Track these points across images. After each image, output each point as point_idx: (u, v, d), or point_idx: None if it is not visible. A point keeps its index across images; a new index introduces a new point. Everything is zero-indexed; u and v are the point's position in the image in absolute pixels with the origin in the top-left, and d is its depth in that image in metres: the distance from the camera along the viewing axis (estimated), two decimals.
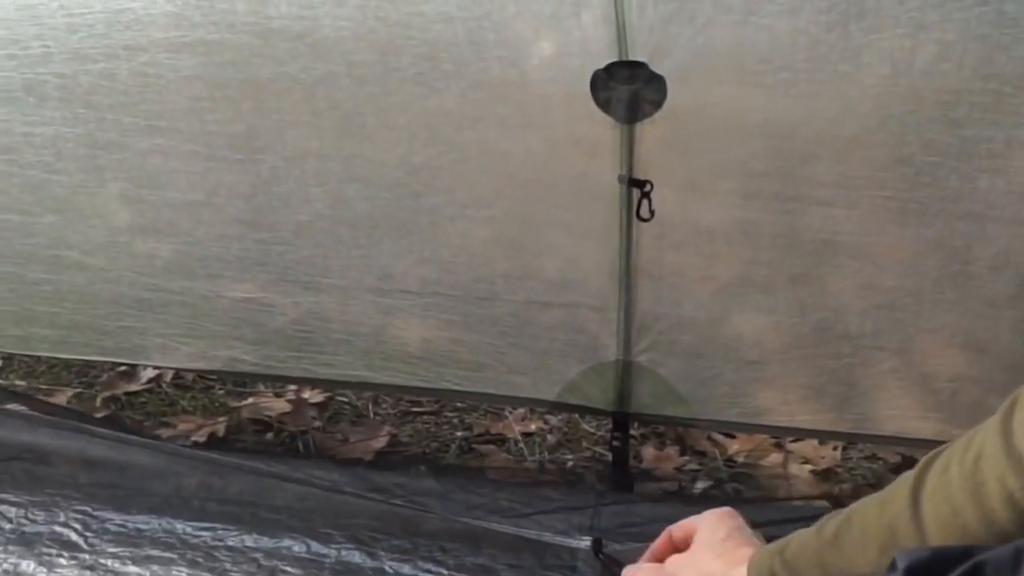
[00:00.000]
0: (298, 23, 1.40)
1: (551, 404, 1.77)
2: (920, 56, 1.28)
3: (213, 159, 1.55)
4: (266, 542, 1.48)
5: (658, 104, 1.38)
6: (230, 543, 1.48)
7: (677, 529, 1.17)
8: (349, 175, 1.55)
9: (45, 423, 1.84)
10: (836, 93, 1.33)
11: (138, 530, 1.50)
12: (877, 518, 0.91)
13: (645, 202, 1.45)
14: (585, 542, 1.50)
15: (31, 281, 1.73)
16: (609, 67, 1.36)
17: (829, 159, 1.40)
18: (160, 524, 1.52)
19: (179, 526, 1.51)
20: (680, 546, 1.15)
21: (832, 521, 0.97)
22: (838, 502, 1.61)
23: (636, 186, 1.45)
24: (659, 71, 1.35)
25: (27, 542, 1.48)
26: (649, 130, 1.41)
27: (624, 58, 1.35)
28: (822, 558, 0.95)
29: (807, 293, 1.53)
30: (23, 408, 1.93)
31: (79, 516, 1.53)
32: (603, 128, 1.42)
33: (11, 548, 1.47)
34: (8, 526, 1.51)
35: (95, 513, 1.53)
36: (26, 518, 1.52)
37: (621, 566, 1.22)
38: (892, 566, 0.76)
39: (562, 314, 1.66)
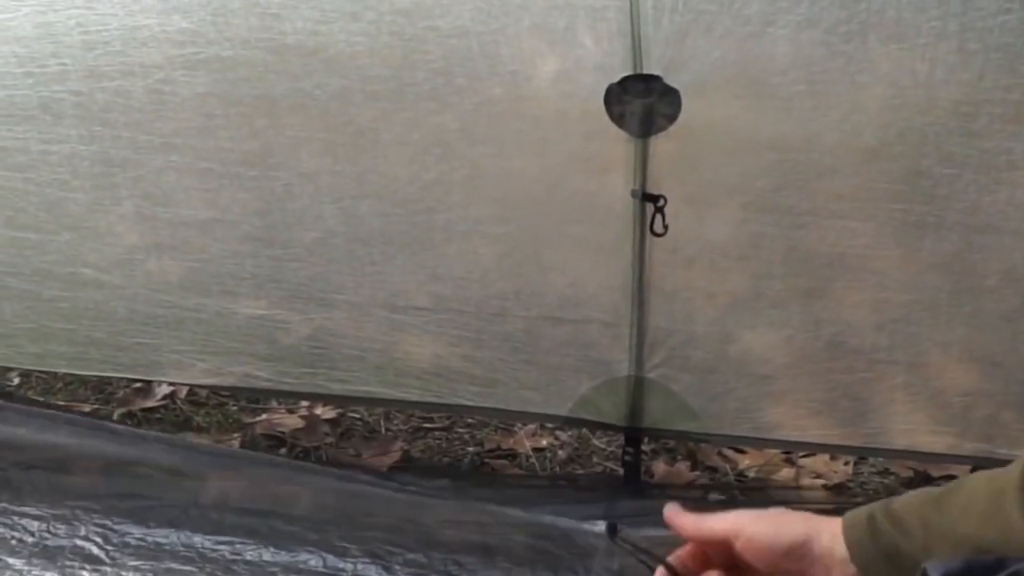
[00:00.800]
0: (312, 39, 1.40)
1: (563, 419, 1.76)
2: (940, 66, 1.28)
3: (227, 176, 1.55)
4: (283, 556, 1.48)
5: (672, 118, 1.38)
6: (248, 557, 1.48)
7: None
8: (362, 191, 1.55)
9: (64, 420, 1.83)
10: (854, 105, 1.33)
11: (157, 544, 1.50)
12: (986, 485, 0.90)
13: (659, 217, 1.44)
14: (600, 526, 1.49)
15: (48, 298, 1.73)
16: (623, 81, 1.37)
17: (845, 172, 1.40)
18: (179, 538, 1.51)
19: (197, 540, 1.51)
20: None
21: (941, 487, 0.96)
22: None
23: (650, 201, 1.44)
24: (674, 84, 1.35)
25: (50, 556, 1.48)
26: (663, 144, 1.41)
27: (639, 71, 1.35)
28: (924, 516, 0.93)
29: (820, 307, 1.52)
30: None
31: (100, 530, 1.52)
32: (617, 143, 1.42)
33: (35, 561, 1.46)
34: (31, 539, 1.51)
35: (115, 527, 1.53)
36: (48, 532, 1.52)
37: (638, 549, 1.19)
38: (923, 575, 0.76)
39: (574, 330, 1.65)
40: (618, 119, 1.40)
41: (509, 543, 1.54)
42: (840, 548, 0.96)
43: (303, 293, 1.68)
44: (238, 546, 1.50)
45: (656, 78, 1.35)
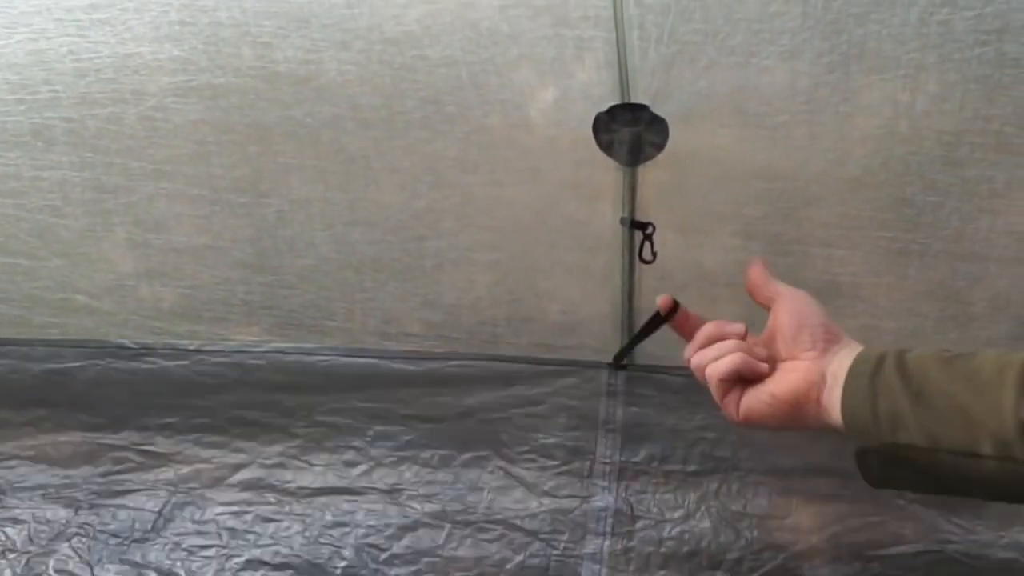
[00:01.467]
0: (303, 67, 1.41)
1: None
2: (921, 97, 1.29)
3: (218, 203, 1.56)
4: None
5: (660, 146, 1.39)
6: None
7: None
8: (354, 218, 1.56)
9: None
10: (838, 135, 1.35)
11: None
12: (994, 360, 0.91)
13: (647, 244, 1.45)
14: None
15: (38, 324, 1.73)
16: (611, 110, 1.38)
17: (831, 201, 1.41)
18: None
19: None
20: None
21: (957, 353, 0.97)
22: None
23: (638, 228, 1.45)
24: (661, 114, 1.36)
25: None
26: (651, 172, 1.42)
27: (626, 101, 1.36)
28: (928, 371, 0.95)
29: None
30: None
31: None
32: (606, 171, 1.44)
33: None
34: None
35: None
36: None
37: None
38: None
39: (566, 357, 1.66)
40: (607, 148, 1.41)
41: None
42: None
43: (295, 320, 1.69)
44: None
45: (643, 107, 1.36)
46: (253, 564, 1.45)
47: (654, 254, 1.46)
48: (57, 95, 1.48)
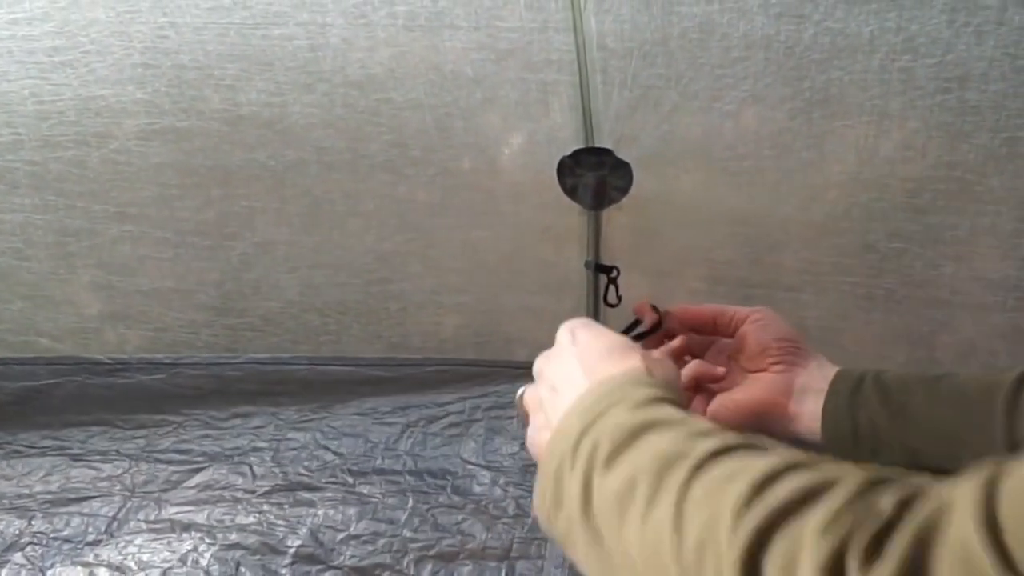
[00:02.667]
0: (267, 110, 1.40)
1: None
2: (884, 144, 1.29)
3: (183, 245, 1.55)
4: None
5: (624, 191, 1.39)
6: None
7: None
8: (318, 261, 1.55)
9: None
10: (802, 181, 1.34)
11: None
12: (981, 379, 0.88)
13: (612, 288, 1.44)
14: None
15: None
16: (575, 154, 1.37)
17: (796, 246, 1.41)
18: None
19: None
20: None
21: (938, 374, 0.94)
22: None
23: (603, 271, 1.44)
24: (625, 158, 1.36)
25: None
26: (616, 216, 1.42)
27: (591, 145, 1.36)
28: (912, 389, 0.91)
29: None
30: None
31: None
32: (570, 214, 1.43)
33: None
34: None
35: None
36: None
37: None
38: None
39: None
40: (571, 191, 1.41)
41: None
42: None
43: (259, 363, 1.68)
44: None
45: (607, 151, 1.36)
46: (204, 545, 1.44)
47: (619, 297, 1.45)
48: (19, 138, 1.47)
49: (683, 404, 0.71)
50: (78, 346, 1.68)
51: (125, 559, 1.42)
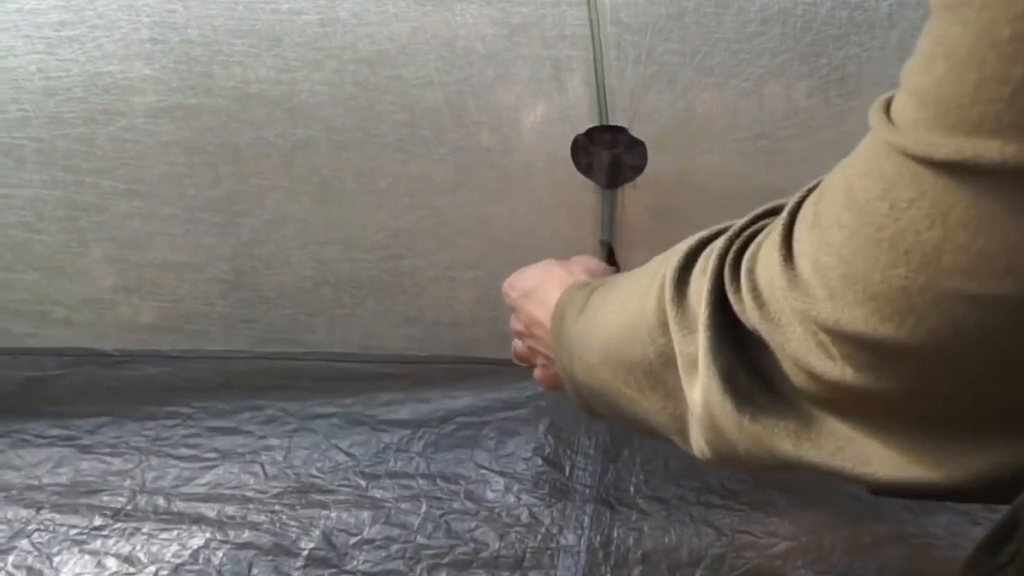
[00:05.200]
0: (276, 88, 1.38)
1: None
2: None
3: (193, 222, 1.53)
4: None
5: (639, 169, 1.36)
6: None
7: None
8: (329, 238, 1.53)
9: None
10: (820, 161, 1.31)
11: None
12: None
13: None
14: None
15: (16, 335, 1.72)
16: (590, 132, 1.35)
17: None
18: None
19: None
20: None
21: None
22: None
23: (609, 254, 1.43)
24: (640, 136, 1.33)
25: None
26: (631, 195, 1.39)
27: (605, 123, 1.33)
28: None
29: None
30: None
31: None
32: (585, 193, 1.41)
33: None
34: None
35: None
36: None
37: None
38: None
39: None
40: (585, 169, 1.38)
41: None
42: None
43: (275, 334, 1.67)
44: None
45: (622, 129, 1.33)
46: (215, 543, 1.44)
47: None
48: (26, 114, 1.45)
49: None
50: (93, 316, 1.68)
51: (134, 549, 1.42)
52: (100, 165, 1.48)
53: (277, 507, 1.50)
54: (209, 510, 1.49)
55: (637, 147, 1.34)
